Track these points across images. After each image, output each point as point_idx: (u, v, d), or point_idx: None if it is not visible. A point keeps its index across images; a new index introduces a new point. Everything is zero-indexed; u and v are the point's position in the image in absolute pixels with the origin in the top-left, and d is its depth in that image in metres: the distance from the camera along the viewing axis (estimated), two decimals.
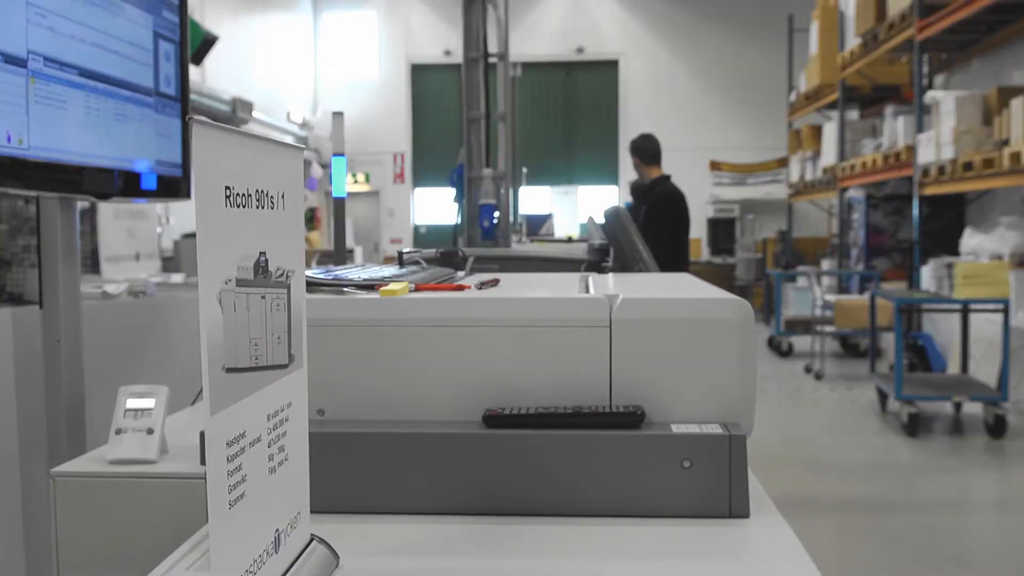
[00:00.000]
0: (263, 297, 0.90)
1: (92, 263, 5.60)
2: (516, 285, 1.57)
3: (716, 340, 1.27)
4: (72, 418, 1.63)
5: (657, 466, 1.18)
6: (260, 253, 0.89)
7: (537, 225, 6.21)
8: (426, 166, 15.35)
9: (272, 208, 0.92)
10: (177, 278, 4.37)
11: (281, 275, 0.94)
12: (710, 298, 1.30)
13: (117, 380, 1.39)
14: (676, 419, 1.26)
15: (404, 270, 1.75)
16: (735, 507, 1.18)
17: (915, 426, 5.63)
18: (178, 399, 1.57)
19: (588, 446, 1.19)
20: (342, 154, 2.70)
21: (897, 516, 4.23)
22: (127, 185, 1.93)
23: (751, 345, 1.28)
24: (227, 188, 0.82)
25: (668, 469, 1.18)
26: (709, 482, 1.18)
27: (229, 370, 0.81)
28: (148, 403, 1.36)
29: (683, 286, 1.56)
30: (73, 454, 1.41)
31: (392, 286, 1.35)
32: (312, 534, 1.02)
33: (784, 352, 9.23)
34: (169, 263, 6.27)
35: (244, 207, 0.85)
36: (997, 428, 5.54)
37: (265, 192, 0.91)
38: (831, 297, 8.57)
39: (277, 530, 0.92)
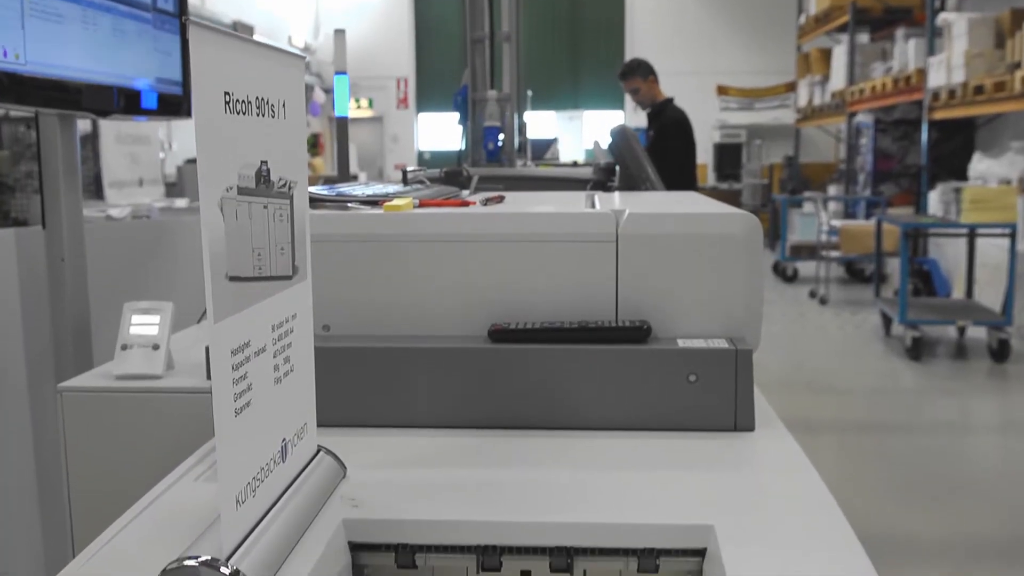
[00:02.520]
0: (265, 207, 0.89)
1: (96, 189, 5.58)
2: (521, 202, 1.56)
3: (723, 255, 1.26)
4: (78, 336, 1.63)
5: (663, 380, 1.18)
6: (262, 162, 0.88)
7: (542, 149, 6.15)
8: (430, 91, 15.17)
9: (273, 117, 0.91)
10: (181, 203, 4.36)
11: (283, 185, 0.93)
12: (718, 213, 1.29)
13: (122, 300, 1.38)
14: (682, 334, 1.26)
15: (408, 188, 1.73)
16: (740, 421, 1.19)
17: (918, 350, 5.64)
18: (183, 319, 1.57)
19: (594, 360, 1.19)
20: (344, 72, 2.66)
21: (899, 439, 4.27)
22: (127, 103, 1.91)
23: (758, 260, 1.27)
24: (226, 94, 0.81)
25: (674, 383, 1.18)
26: (715, 396, 1.18)
27: (232, 279, 0.81)
28: (153, 319, 1.35)
29: (691, 203, 1.54)
30: (80, 371, 1.41)
31: (396, 201, 1.33)
32: (319, 445, 1.03)
33: (789, 277, 9.22)
34: (173, 189, 6.24)
35: (244, 114, 0.84)
36: (1000, 352, 5.55)
37: (265, 100, 0.89)
38: (837, 222, 8.53)
39: (284, 440, 0.92)
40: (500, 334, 1.22)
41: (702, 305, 1.26)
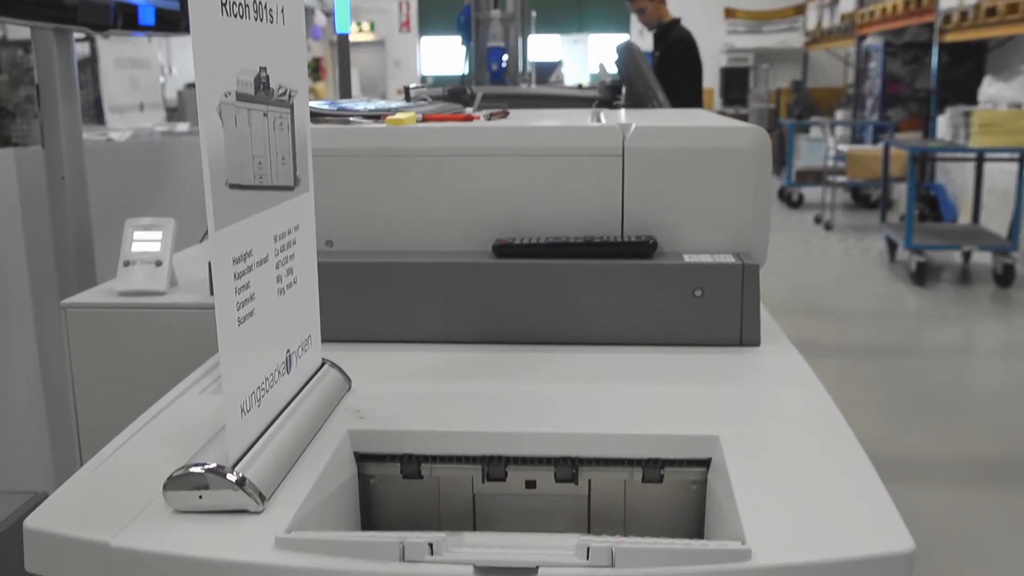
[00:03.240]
0: (265, 115, 0.87)
1: (96, 113, 5.53)
2: (526, 118, 1.54)
3: (731, 169, 1.24)
4: (80, 253, 1.62)
5: (668, 295, 1.18)
6: (260, 68, 0.86)
7: (546, 72, 6.05)
8: (433, 13, 14.92)
9: (271, 22, 0.88)
10: (182, 127, 4.31)
11: (283, 94, 0.91)
12: (726, 127, 1.27)
13: (124, 220, 1.37)
14: (689, 249, 1.25)
15: (411, 104, 1.71)
16: (746, 336, 1.18)
17: (923, 275, 5.64)
18: (185, 239, 1.56)
19: (599, 275, 1.18)
20: None
21: (901, 363, 4.29)
22: (124, 19, 1.87)
23: (767, 174, 1.25)
24: None
25: (680, 298, 1.18)
26: (721, 311, 1.18)
27: (232, 186, 0.79)
28: (155, 235, 1.34)
29: (698, 118, 1.52)
30: (83, 288, 1.41)
31: (399, 116, 1.31)
32: (324, 358, 1.03)
33: (794, 203, 9.17)
34: (173, 114, 6.18)
35: (241, 17, 0.82)
36: (1005, 277, 5.54)
37: (263, 4, 0.87)
38: (844, 147, 8.45)
39: (288, 351, 0.92)
40: (504, 249, 1.21)
41: (709, 220, 1.25)
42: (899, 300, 5.44)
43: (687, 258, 1.21)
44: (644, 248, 1.21)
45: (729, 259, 1.20)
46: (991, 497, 2.85)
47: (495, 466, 0.93)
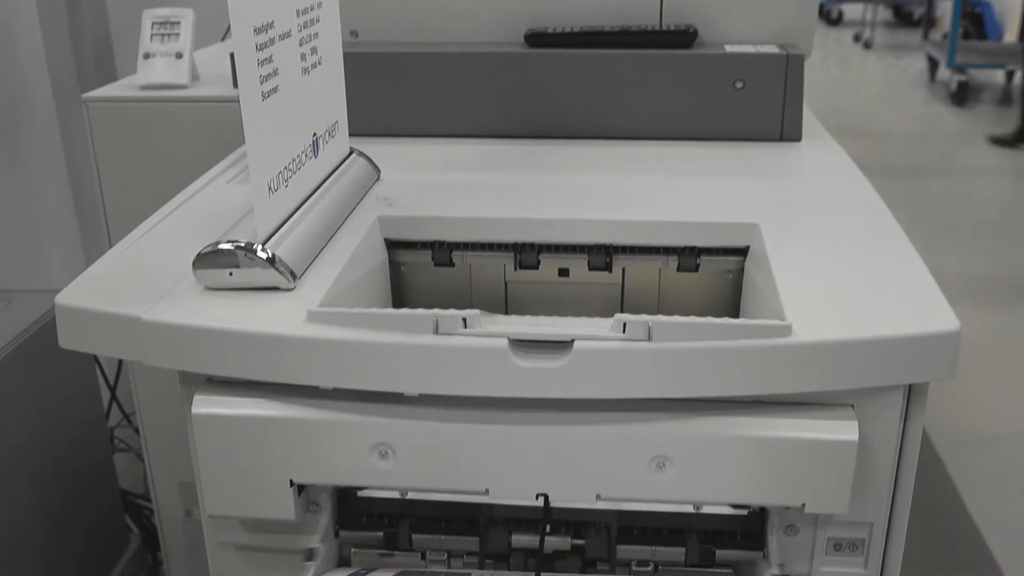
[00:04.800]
0: None
1: None
2: None
3: None
4: (99, 46, 1.58)
5: (708, 87, 1.13)
6: None
7: None
8: None
9: None
10: None
11: None
12: None
13: (141, 12, 1.32)
14: (730, 40, 1.19)
15: None
16: (787, 130, 1.14)
17: (963, 95, 5.46)
18: (206, 38, 1.51)
19: (636, 66, 1.13)
20: None
21: (935, 183, 4.21)
22: None
23: None
24: None
25: (719, 90, 1.13)
26: (762, 104, 1.13)
27: None
28: (174, 27, 1.29)
29: None
30: (103, 83, 1.37)
31: None
32: (352, 147, 1.00)
33: (833, 20, 8.83)
34: None
35: None
36: None
37: None
38: None
39: (315, 134, 0.89)
40: (537, 38, 1.16)
41: (751, 8, 1.19)
42: (937, 121, 5.29)
43: (728, 48, 1.15)
44: (683, 37, 1.15)
45: (773, 49, 1.14)
46: (1021, 316, 2.84)
47: (527, 253, 0.91)
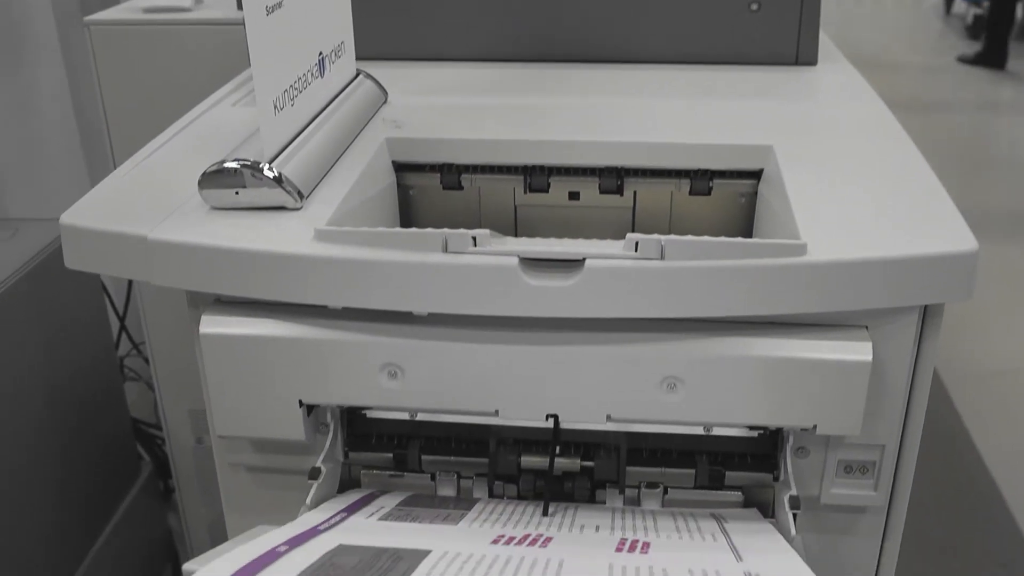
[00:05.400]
0: None
1: None
2: None
3: None
4: None
5: (723, 9, 1.10)
6: None
7: None
8: None
9: None
10: None
11: None
12: None
13: None
14: None
15: None
16: (803, 53, 1.11)
17: (978, 29, 5.36)
18: None
19: None
20: None
21: (947, 117, 4.15)
22: None
23: None
24: None
25: (734, 12, 1.10)
26: (777, 25, 1.10)
27: None
28: None
29: None
30: (105, 6, 1.35)
31: None
32: (359, 69, 0.98)
33: None
34: None
35: None
36: None
37: None
38: None
39: (321, 54, 0.87)
40: None
41: None
42: (951, 55, 5.21)
43: None
44: None
45: None
46: None
47: (537, 176, 0.90)
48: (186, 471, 1.48)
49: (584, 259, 0.66)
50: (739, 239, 0.66)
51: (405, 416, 0.78)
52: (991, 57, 4.90)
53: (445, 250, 0.67)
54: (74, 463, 1.33)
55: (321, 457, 0.76)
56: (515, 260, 0.66)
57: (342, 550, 0.57)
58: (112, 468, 1.45)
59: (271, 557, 0.55)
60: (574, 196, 0.91)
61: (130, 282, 1.53)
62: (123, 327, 1.61)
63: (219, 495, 0.85)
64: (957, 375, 2.23)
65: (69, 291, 1.33)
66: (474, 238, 0.67)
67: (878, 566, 0.81)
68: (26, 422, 1.21)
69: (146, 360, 1.49)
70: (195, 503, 1.50)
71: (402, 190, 0.92)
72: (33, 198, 1.64)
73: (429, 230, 0.68)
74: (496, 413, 0.72)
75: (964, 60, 4.96)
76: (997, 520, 1.77)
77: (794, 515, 0.71)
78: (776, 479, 0.77)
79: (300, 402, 0.73)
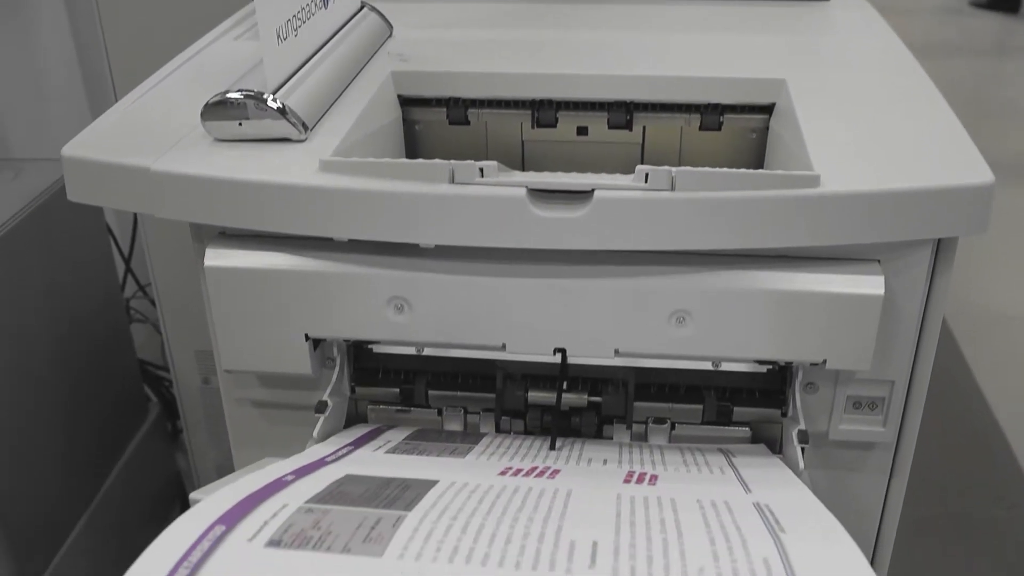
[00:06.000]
0: None
1: None
2: None
3: None
4: None
5: None
6: None
7: None
8: None
9: None
10: None
11: None
12: None
13: None
14: None
15: None
16: None
17: None
18: None
19: None
20: None
21: (958, 61, 4.10)
22: None
23: None
24: None
25: None
26: None
27: None
28: None
29: None
30: None
31: None
32: (363, 1, 0.96)
33: None
34: None
35: None
36: None
37: None
38: None
39: None
40: None
41: None
42: None
43: None
44: None
45: None
46: None
47: (545, 111, 0.88)
48: (193, 412, 1.48)
49: (593, 190, 0.65)
50: (751, 170, 0.65)
51: (412, 351, 0.78)
52: (1004, 1, 4.83)
53: (452, 181, 0.66)
54: (82, 405, 1.33)
55: (328, 391, 0.76)
56: (523, 191, 0.65)
57: (349, 480, 0.57)
58: (120, 409, 1.46)
59: (278, 486, 0.55)
60: (582, 131, 0.90)
61: (135, 223, 1.52)
62: (128, 269, 1.60)
63: (227, 435, 0.85)
64: (963, 320, 2.22)
65: (74, 232, 1.32)
66: (481, 169, 0.66)
67: (884, 503, 0.81)
68: (35, 365, 1.21)
69: (152, 302, 1.49)
70: (203, 443, 1.51)
71: (408, 125, 0.91)
72: (36, 138, 1.63)
73: (436, 161, 0.66)
74: (503, 347, 0.71)
75: (977, 4, 4.89)
76: (1001, 461, 1.78)
77: (802, 449, 0.70)
78: (784, 415, 0.77)
79: (306, 336, 0.72)
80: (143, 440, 1.50)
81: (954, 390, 1.99)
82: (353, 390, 0.80)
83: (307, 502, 0.52)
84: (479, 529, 0.48)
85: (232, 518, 0.49)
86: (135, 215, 1.47)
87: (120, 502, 1.41)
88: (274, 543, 0.47)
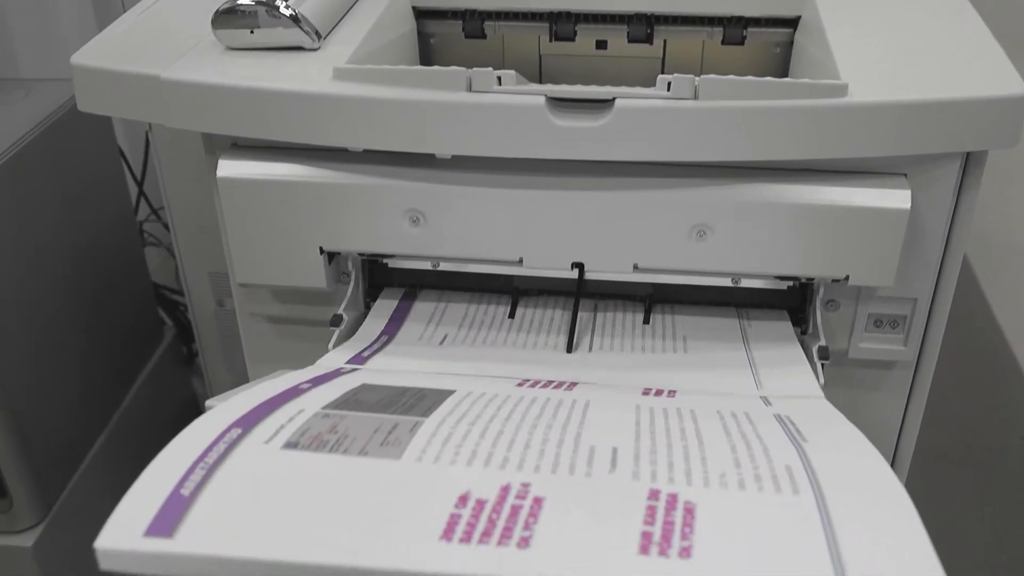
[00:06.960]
0: None
1: None
2: None
3: None
4: None
5: None
6: None
7: None
8: None
9: None
10: None
11: None
12: None
13: None
14: None
15: None
16: None
17: None
18: None
19: None
20: None
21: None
22: None
23: None
24: None
25: None
26: None
27: None
28: None
29: None
30: None
31: None
32: None
33: None
34: None
35: None
36: None
37: None
38: None
39: None
40: None
41: None
42: None
43: None
44: None
45: None
46: None
47: (563, 23, 0.86)
48: (209, 335, 1.48)
49: (614, 99, 0.63)
50: (777, 79, 0.63)
51: (427, 266, 0.77)
52: None
53: (469, 89, 0.64)
54: (97, 327, 1.33)
55: (343, 305, 0.75)
56: (542, 99, 0.63)
57: (365, 388, 0.57)
58: (136, 333, 1.46)
59: (294, 392, 0.54)
60: (601, 45, 0.88)
61: (147, 145, 1.51)
62: (141, 192, 1.59)
63: (242, 359, 0.84)
64: (983, 254, 2.20)
65: (85, 153, 1.31)
66: (499, 77, 0.64)
67: (902, 423, 0.81)
68: (50, 288, 1.21)
69: (166, 226, 1.48)
70: (218, 367, 1.51)
71: (423, 39, 0.89)
72: (44, 59, 1.61)
73: (453, 68, 0.65)
74: (520, 262, 0.70)
75: None
76: (1016, 394, 1.77)
77: (822, 365, 0.70)
78: (804, 332, 0.76)
79: (321, 249, 0.72)
80: (159, 363, 1.51)
81: (972, 322, 1.97)
82: (368, 306, 0.79)
83: (323, 408, 0.51)
84: (498, 435, 0.48)
85: (248, 422, 0.49)
86: (147, 138, 1.45)
87: (137, 424, 1.42)
88: (291, 445, 0.46)
